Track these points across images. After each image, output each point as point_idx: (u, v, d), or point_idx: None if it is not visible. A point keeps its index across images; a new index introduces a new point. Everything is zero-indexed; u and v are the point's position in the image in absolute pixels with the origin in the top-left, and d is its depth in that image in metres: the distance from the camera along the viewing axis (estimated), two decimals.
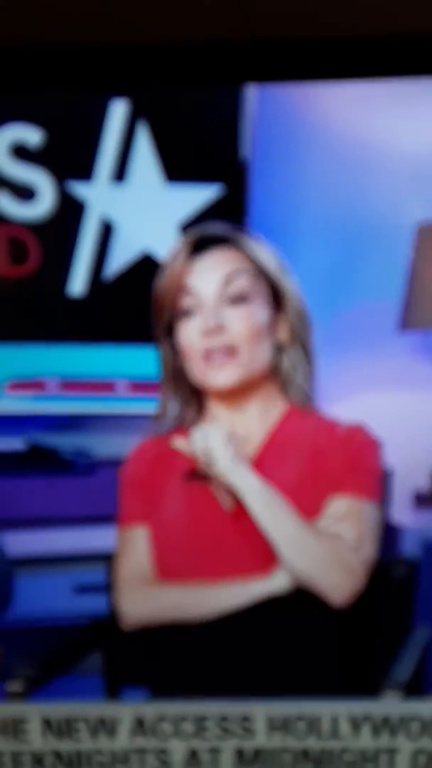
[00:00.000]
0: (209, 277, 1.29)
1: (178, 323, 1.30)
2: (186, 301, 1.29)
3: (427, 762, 1.27)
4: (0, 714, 1.25)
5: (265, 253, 1.31)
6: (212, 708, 1.26)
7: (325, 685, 1.28)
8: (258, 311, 1.29)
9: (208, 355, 1.28)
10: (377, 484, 1.29)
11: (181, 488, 1.30)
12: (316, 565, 1.25)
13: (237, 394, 1.30)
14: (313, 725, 1.26)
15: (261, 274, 1.30)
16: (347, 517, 1.27)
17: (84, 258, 1.46)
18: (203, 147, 1.50)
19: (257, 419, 1.31)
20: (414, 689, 1.29)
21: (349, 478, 1.28)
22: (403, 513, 1.33)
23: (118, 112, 1.46)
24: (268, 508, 1.25)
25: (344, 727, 1.26)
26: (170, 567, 1.29)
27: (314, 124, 1.41)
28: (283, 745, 1.27)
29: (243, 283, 1.29)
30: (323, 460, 1.29)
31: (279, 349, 1.31)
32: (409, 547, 1.35)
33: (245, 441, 1.29)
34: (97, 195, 1.47)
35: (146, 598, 1.30)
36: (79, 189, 1.47)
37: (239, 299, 1.28)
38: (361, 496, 1.28)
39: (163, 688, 1.30)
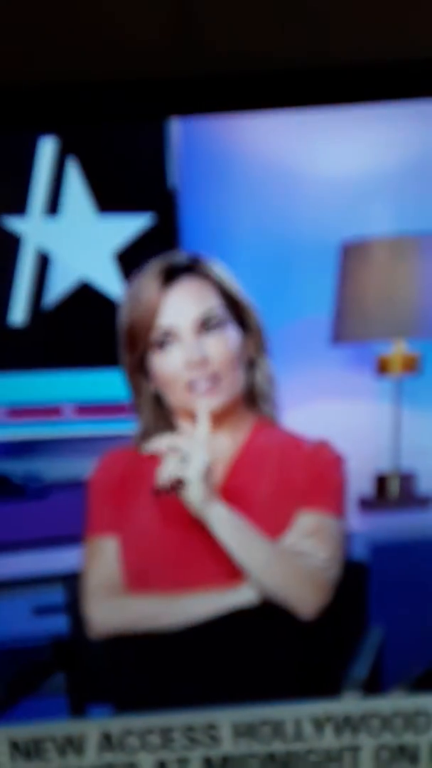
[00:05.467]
0: (184, 309, 1.30)
1: (154, 354, 1.31)
2: (163, 334, 1.30)
3: (389, 757, 1.30)
4: None
5: (227, 274, 1.33)
6: (178, 719, 1.27)
7: (288, 689, 1.30)
8: (232, 334, 1.31)
9: (192, 385, 1.30)
10: (342, 500, 1.31)
11: (151, 499, 1.31)
12: (286, 584, 1.27)
13: (214, 414, 1.31)
14: (277, 729, 1.28)
15: (228, 296, 1.32)
16: (316, 533, 1.29)
17: (23, 289, 1.48)
18: (132, 178, 1.53)
19: (228, 436, 1.33)
20: (372, 687, 1.33)
21: (316, 494, 1.31)
22: (350, 518, 1.37)
23: (47, 149, 1.49)
24: (237, 537, 1.27)
25: (308, 728, 1.29)
26: (139, 577, 1.31)
27: (238, 152, 1.46)
28: (250, 750, 1.28)
29: (216, 311, 1.31)
30: (291, 474, 1.32)
31: (251, 364, 1.33)
32: (358, 550, 1.38)
33: (216, 461, 1.30)
34: (32, 228, 1.49)
35: (116, 607, 1.30)
36: (14, 223, 1.49)
37: (215, 327, 1.30)
38: (327, 511, 1.30)
39: (129, 702, 1.31)
